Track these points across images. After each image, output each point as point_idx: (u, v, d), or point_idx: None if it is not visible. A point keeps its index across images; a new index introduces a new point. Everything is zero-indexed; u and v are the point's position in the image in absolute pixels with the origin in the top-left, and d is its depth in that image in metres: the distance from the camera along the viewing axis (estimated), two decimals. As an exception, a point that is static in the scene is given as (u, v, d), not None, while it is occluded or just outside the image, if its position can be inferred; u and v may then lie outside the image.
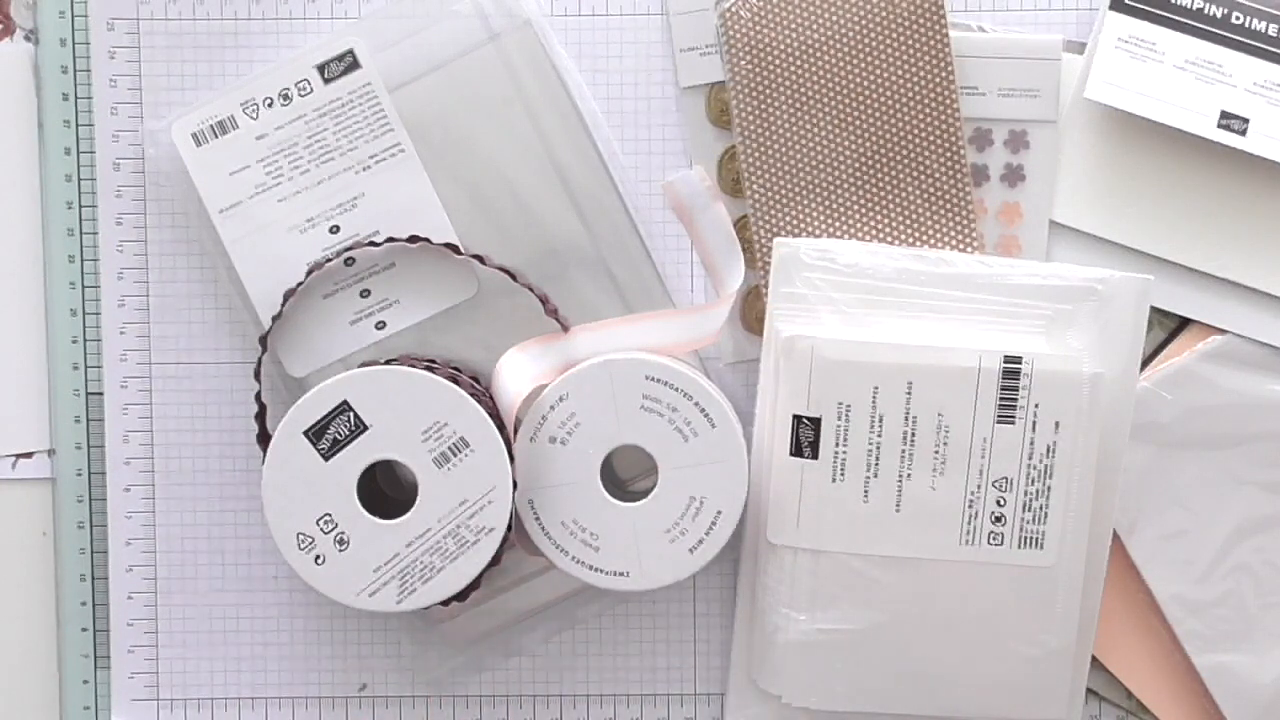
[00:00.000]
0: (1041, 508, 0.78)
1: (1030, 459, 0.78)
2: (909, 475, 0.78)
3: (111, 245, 0.83)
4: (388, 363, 0.79)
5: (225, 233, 0.81)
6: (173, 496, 0.84)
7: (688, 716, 0.84)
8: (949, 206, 0.82)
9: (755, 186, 0.82)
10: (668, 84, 0.83)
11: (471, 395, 0.76)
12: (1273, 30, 0.79)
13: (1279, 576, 0.82)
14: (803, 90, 0.81)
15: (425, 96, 0.81)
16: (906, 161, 0.82)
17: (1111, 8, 0.80)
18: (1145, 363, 0.82)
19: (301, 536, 0.76)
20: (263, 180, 0.81)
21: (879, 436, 0.78)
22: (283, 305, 0.80)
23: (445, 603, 0.77)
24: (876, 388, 0.78)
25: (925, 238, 0.82)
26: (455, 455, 0.76)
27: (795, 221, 0.82)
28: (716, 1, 0.82)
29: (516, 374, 0.78)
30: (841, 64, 0.81)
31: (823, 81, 0.81)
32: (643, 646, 0.84)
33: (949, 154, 0.81)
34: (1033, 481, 0.78)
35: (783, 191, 0.82)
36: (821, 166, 0.82)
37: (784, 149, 0.82)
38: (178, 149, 0.81)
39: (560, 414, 0.77)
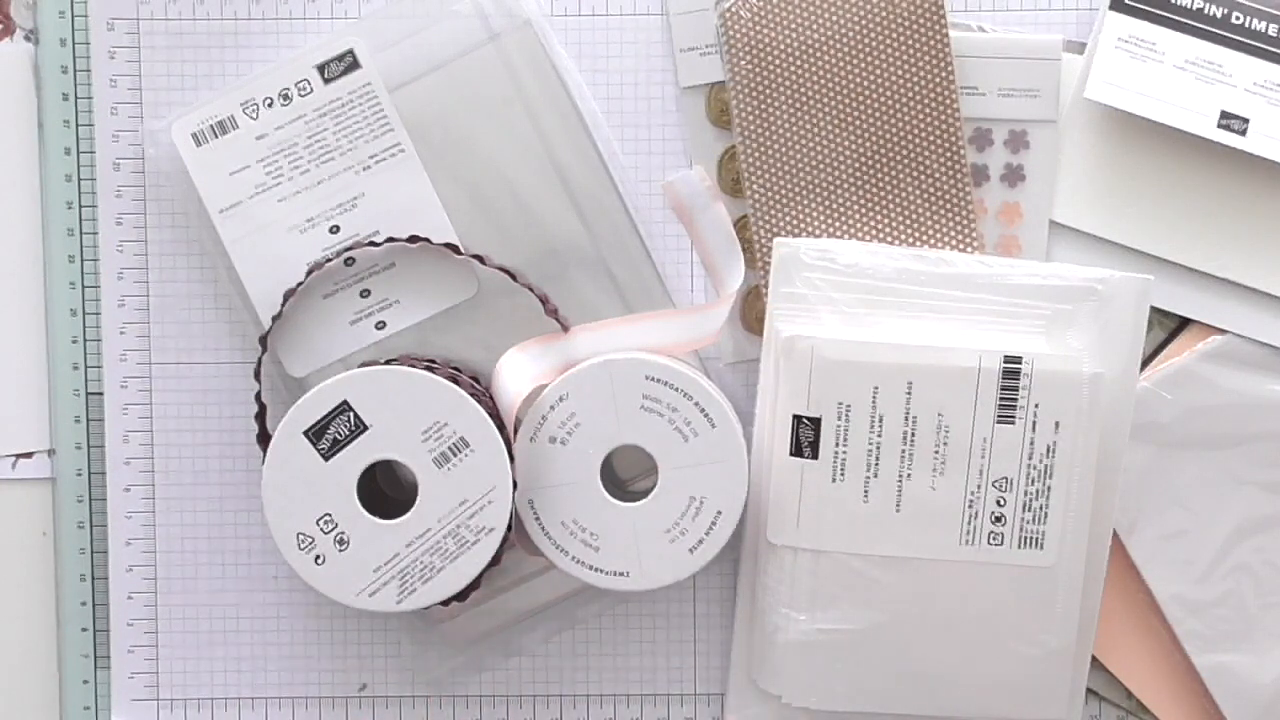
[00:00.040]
0: (1041, 508, 0.78)
1: (1030, 459, 0.78)
2: (909, 475, 0.78)
3: (111, 245, 0.83)
4: (388, 363, 0.79)
5: (225, 233, 0.81)
6: (173, 496, 0.84)
7: (688, 716, 0.84)
8: (949, 206, 0.82)
9: (755, 186, 0.82)
10: (668, 84, 0.83)
11: (471, 395, 0.76)
12: (1273, 30, 0.79)
13: (1279, 576, 0.82)
14: (803, 90, 0.81)
15: (425, 96, 0.81)
16: (906, 161, 0.82)
17: (1111, 8, 0.80)
18: (1145, 363, 0.82)
19: (301, 536, 0.76)
20: (263, 180, 0.81)
21: (879, 436, 0.78)
22: (283, 305, 0.80)
23: (445, 603, 0.77)
24: (876, 388, 0.78)
25: (925, 238, 0.82)
26: (455, 455, 0.76)
27: (795, 221, 0.82)
28: (716, 1, 0.82)
29: (516, 374, 0.78)
30: (841, 64, 0.81)
31: (823, 81, 0.81)
32: (643, 646, 0.84)
33: (949, 154, 0.81)
34: (1033, 481, 0.78)
35: (783, 191, 0.82)
36: (821, 166, 0.82)
37: (784, 149, 0.82)
38: (178, 149, 0.81)
39: (560, 414, 0.77)
